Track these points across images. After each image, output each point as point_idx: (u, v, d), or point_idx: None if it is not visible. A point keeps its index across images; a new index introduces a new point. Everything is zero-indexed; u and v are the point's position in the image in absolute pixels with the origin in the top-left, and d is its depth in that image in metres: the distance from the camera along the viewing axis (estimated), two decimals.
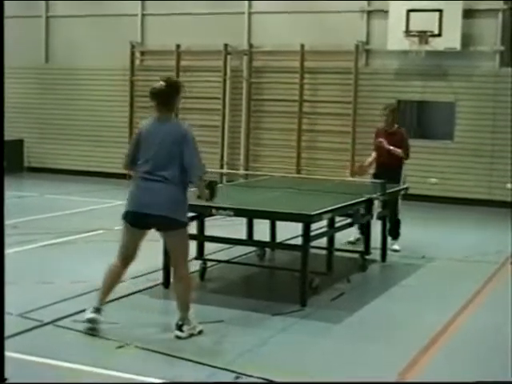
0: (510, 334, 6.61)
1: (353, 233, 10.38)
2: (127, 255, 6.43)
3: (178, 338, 6.22)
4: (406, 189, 10.12)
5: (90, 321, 6.29)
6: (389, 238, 10.07)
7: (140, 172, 6.27)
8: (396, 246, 10.26)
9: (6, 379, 4.69)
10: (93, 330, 6.26)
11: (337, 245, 9.14)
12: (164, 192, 6.12)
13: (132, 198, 6.29)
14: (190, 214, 8.18)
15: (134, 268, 6.66)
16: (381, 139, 10.27)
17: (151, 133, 6.28)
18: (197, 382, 5.24)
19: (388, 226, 10.05)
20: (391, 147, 10.21)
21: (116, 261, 6.46)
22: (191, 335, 6.28)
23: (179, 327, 6.27)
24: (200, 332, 6.34)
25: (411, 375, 5.58)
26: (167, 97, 6.26)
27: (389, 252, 9.82)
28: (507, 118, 14.86)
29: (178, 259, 6.36)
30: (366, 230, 9.34)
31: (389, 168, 10.18)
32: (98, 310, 6.35)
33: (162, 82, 6.29)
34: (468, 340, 6.57)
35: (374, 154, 10.52)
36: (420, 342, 6.30)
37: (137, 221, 6.26)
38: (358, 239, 10.35)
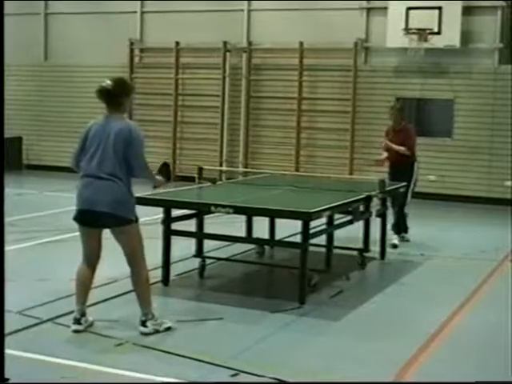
0: (509, 332, 6.62)
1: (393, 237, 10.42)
2: (89, 257, 6.41)
3: (143, 334, 6.21)
4: (405, 186, 10.13)
5: (76, 331, 6.24)
6: (390, 233, 10.16)
7: (84, 169, 6.33)
8: (395, 241, 10.27)
9: (7, 379, 4.69)
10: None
11: (336, 242, 9.15)
12: (108, 189, 6.11)
13: (78, 196, 6.35)
14: (190, 212, 8.23)
15: None
16: (385, 140, 10.50)
17: (97, 131, 6.29)
18: (205, 381, 5.22)
19: (393, 219, 10.30)
20: (394, 146, 10.32)
21: (81, 265, 6.45)
22: (156, 331, 6.27)
23: (143, 323, 6.28)
24: (168, 328, 6.34)
25: (410, 372, 5.58)
26: (114, 96, 6.29)
27: (388, 249, 9.81)
28: (506, 115, 14.87)
29: (130, 256, 6.28)
30: (365, 228, 9.34)
31: (399, 166, 10.40)
32: (78, 321, 6.27)
33: (108, 81, 6.34)
34: (467, 337, 6.57)
35: (385, 153, 10.62)
36: (419, 340, 6.31)
37: (85, 219, 6.27)
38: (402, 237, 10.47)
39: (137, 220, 6.24)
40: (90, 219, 6.24)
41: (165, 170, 6.56)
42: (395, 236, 10.35)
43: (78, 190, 6.38)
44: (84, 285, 6.41)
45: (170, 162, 6.72)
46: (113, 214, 6.09)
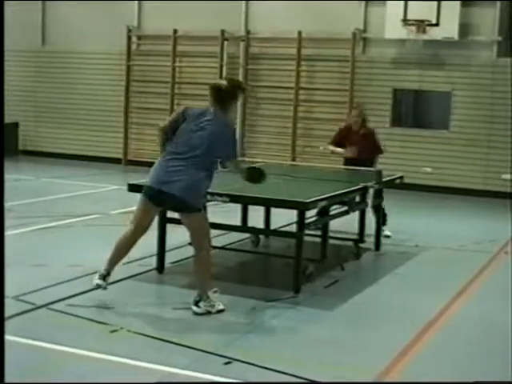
0: (503, 321, 6.65)
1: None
2: (138, 227, 6.62)
3: (195, 313, 6.43)
4: (401, 178, 10.14)
5: (97, 286, 6.66)
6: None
7: (170, 151, 6.46)
8: (387, 232, 10.28)
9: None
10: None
11: (331, 232, 9.17)
12: (185, 175, 6.29)
13: (153, 173, 6.48)
14: None
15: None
16: (330, 147, 10.40)
17: (199, 116, 6.45)
18: (217, 382, 5.23)
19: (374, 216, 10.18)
20: (338, 150, 10.25)
21: (127, 231, 6.65)
22: (208, 312, 6.45)
23: (196, 303, 6.48)
24: (219, 311, 6.51)
25: (404, 361, 5.61)
26: (226, 97, 6.46)
27: (382, 240, 9.83)
28: (504, 108, 14.87)
29: (194, 240, 6.60)
30: (360, 219, 9.36)
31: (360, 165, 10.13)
32: (103, 277, 6.64)
33: (224, 82, 6.57)
34: (461, 327, 6.60)
35: (332, 147, 10.48)
36: (414, 329, 6.33)
37: (153, 196, 6.44)
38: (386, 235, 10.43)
39: (205, 208, 6.54)
40: (158, 198, 6.45)
41: (257, 174, 6.87)
42: (384, 227, 10.31)
43: (155, 167, 6.54)
44: (124, 251, 6.72)
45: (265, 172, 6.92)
46: (183, 199, 6.31)
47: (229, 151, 6.48)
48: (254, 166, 7.10)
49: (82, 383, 4.89)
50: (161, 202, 6.49)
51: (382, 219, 10.28)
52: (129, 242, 6.69)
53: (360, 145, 10.09)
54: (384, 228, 10.31)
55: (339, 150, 10.21)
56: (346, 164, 10.33)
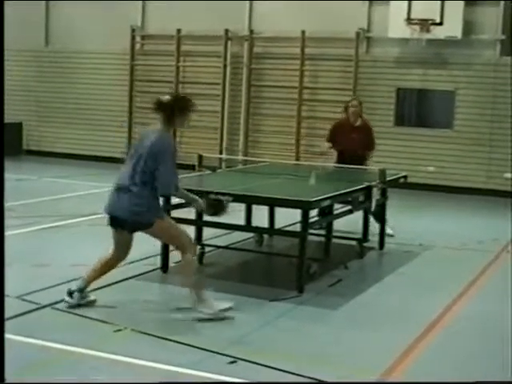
0: (506, 321, 6.64)
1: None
2: (118, 252, 6.58)
3: (198, 319, 6.33)
4: (405, 177, 10.13)
5: (66, 302, 6.49)
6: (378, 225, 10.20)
7: (118, 177, 6.44)
8: (389, 231, 10.27)
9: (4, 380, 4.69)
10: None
11: (335, 232, 9.17)
12: (127, 198, 6.24)
13: (108, 200, 6.49)
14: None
15: (131, 253, 6.67)
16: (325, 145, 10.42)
17: (139, 143, 6.41)
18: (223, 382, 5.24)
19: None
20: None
21: (110, 252, 6.59)
22: (213, 314, 6.36)
23: (196, 309, 6.40)
24: (227, 309, 6.46)
25: (408, 361, 5.61)
26: (168, 111, 6.30)
27: (389, 240, 9.82)
28: (507, 107, 14.86)
29: (173, 245, 6.59)
30: (364, 218, 9.35)
31: (355, 162, 10.10)
32: (71, 294, 6.48)
33: (167, 96, 6.39)
34: (465, 326, 6.59)
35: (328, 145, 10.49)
36: (417, 329, 6.33)
37: (110, 222, 6.46)
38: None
39: (162, 216, 6.39)
40: (115, 223, 6.43)
41: (219, 206, 6.76)
42: (386, 226, 10.30)
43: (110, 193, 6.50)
44: (104, 271, 6.64)
45: (225, 204, 6.86)
46: (132, 220, 6.27)
47: (162, 177, 6.17)
48: (213, 197, 6.96)
49: (83, 383, 4.88)
50: (117, 226, 6.42)
51: (379, 218, 10.29)
52: (108, 264, 6.61)
53: (356, 137, 10.12)
54: (385, 227, 10.30)
55: (328, 152, 10.26)
56: (340, 161, 10.33)
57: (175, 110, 6.30)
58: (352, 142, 10.21)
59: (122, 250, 6.56)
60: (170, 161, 6.18)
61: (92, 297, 6.62)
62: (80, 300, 6.50)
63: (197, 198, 6.59)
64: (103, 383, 4.85)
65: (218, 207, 6.77)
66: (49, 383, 4.82)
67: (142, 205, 6.23)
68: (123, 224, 6.34)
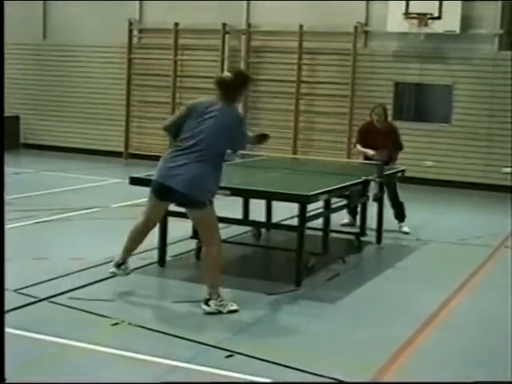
0: (504, 315, 6.65)
1: (346, 216, 10.47)
2: (148, 220, 6.69)
3: (205, 312, 6.33)
4: (403, 171, 10.13)
5: (113, 274, 6.85)
6: (395, 222, 10.34)
7: (175, 146, 6.40)
8: (406, 228, 10.30)
9: (4, 379, 4.69)
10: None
11: (333, 226, 9.17)
12: (188, 169, 6.21)
13: (158, 168, 6.43)
14: None
15: None
16: (359, 147, 10.36)
17: (206, 109, 6.40)
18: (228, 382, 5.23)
19: (393, 211, 10.33)
20: (369, 152, 10.18)
21: (139, 222, 6.73)
22: (219, 312, 6.34)
23: (206, 301, 6.38)
24: (232, 311, 6.39)
25: (405, 356, 5.61)
26: (230, 88, 6.42)
27: (387, 234, 9.82)
28: (505, 101, 14.85)
29: (202, 235, 6.56)
30: (362, 212, 9.35)
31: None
32: (118, 265, 6.81)
33: (228, 74, 6.53)
34: (461, 323, 6.60)
35: (363, 149, 10.48)
36: (415, 323, 6.34)
37: (157, 191, 6.42)
38: (349, 224, 10.38)
39: (211, 202, 6.41)
40: (164, 194, 6.41)
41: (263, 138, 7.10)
42: (403, 223, 10.35)
43: (163, 162, 6.46)
44: (137, 240, 6.82)
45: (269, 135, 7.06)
46: (188, 194, 6.24)
47: (237, 143, 6.51)
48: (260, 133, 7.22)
49: (84, 383, 4.87)
50: (165, 196, 6.43)
51: (400, 215, 10.33)
52: (141, 233, 6.75)
53: (383, 142, 10.15)
54: (402, 224, 10.33)
55: (370, 152, 10.20)
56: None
57: (237, 87, 6.45)
58: (381, 147, 10.19)
59: (155, 220, 6.76)
60: (242, 127, 6.50)
61: (131, 266, 6.98)
62: (126, 271, 6.85)
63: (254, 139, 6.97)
64: (103, 383, 4.83)
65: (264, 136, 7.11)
66: (49, 383, 4.81)
67: (204, 181, 6.24)
68: (172, 195, 6.31)
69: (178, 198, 6.35)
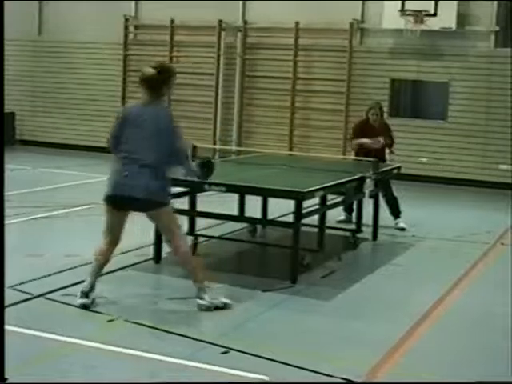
0: (499, 314, 6.66)
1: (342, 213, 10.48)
2: (113, 237, 6.46)
3: (200, 306, 6.33)
4: (399, 168, 10.13)
5: (83, 306, 6.28)
6: (391, 218, 10.32)
7: (123, 156, 6.28)
8: (402, 224, 10.30)
9: (6, 379, 4.68)
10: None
11: (328, 223, 9.17)
12: (141, 176, 6.16)
13: (112, 181, 6.32)
14: (181, 190, 8.24)
15: (124, 243, 6.66)
16: (359, 140, 10.34)
17: (137, 115, 6.30)
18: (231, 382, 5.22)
19: (387, 207, 10.31)
20: (367, 141, 10.23)
21: (102, 242, 6.48)
22: (214, 305, 6.36)
23: (199, 296, 6.38)
24: (225, 305, 6.41)
25: (401, 352, 5.61)
26: (156, 83, 6.27)
27: (382, 231, 9.82)
28: (501, 98, 14.85)
29: (167, 234, 6.50)
30: (357, 208, 9.35)
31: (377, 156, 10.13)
32: (87, 294, 6.33)
33: (151, 69, 6.29)
34: (457, 319, 6.60)
35: (359, 140, 10.51)
36: (410, 320, 6.34)
37: (118, 203, 6.31)
38: (345, 221, 10.36)
39: (167, 203, 6.36)
40: (123, 204, 6.31)
41: (207, 165, 6.73)
42: (399, 219, 10.35)
43: (113, 174, 6.35)
44: (104, 262, 6.51)
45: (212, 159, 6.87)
46: (147, 199, 6.19)
47: (173, 141, 6.25)
48: (204, 160, 6.84)
49: (82, 383, 4.86)
50: (126, 207, 6.34)
51: (395, 211, 10.33)
52: (107, 253, 6.49)
53: (376, 136, 10.19)
54: (398, 220, 10.33)
55: (366, 140, 10.23)
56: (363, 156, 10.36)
57: (161, 81, 6.30)
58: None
59: (118, 234, 6.48)
60: (180, 133, 6.33)
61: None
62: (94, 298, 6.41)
63: (194, 167, 6.60)
64: (102, 383, 4.82)
65: (209, 167, 6.75)
66: (49, 383, 4.80)
67: (158, 183, 6.22)
68: (133, 204, 6.25)
69: (139, 206, 6.26)
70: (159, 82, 6.28)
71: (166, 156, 6.23)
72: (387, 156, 10.67)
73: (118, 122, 6.42)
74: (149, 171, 6.17)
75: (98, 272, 6.48)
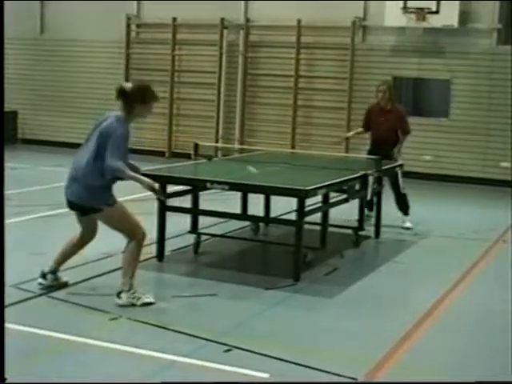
0: (501, 311, 6.66)
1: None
2: (84, 234, 6.70)
3: (117, 305, 6.31)
4: (401, 166, 10.11)
5: (41, 287, 6.60)
6: (395, 216, 10.29)
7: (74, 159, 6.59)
8: (408, 224, 10.26)
9: (5, 379, 4.69)
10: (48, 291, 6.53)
11: (331, 220, 9.17)
12: (75, 182, 6.39)
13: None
14: (184, 188, 8.26)
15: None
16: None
17: (98, 125, 6.45)
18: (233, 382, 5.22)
19: (395, 202, 10.32)
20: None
21: (78, 234, 6.72)
22: (132, 304, 6.32)
23: (118, 294, 6.37)
24: (147, 304, 6.36)
25: (403, 350, 5.61)
26: (127, 99, 6.32)
27: (385, 229, 9.82)
28: (503, 96, 14.84)
29: (121, 232, 6.49)
30: (360, 206, 9.35)
31: (384, 147, 10.09)
32: (44, 276, 6.65)
33: (129, 84, 6.39)
34: (460, 316, 6.61)
35: (359, 130, 10.60)
36: (413, 317, 6.34)
37: (69, 206, 6.56)
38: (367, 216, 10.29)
39: (110, 204, 6.38)
40: (71, 207, 6.58)
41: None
42: (406, 218, 10.32)
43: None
44: (72, 253, 6.79)
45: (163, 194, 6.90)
46: (84, 205, 6.41)
47: (108, 160, 6.17)
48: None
49: (83, 382, 4.86)
50: (72, 208, 6.56)
51: (404, 207, 10.31)
52: (76, 245, 6.74)
53: (384, 120, 10.12)
54: (405, 218, 10.30)
55: (352, 132, 10.28)
56: (372, 145, 10.35)
57: (135, 99, 6.30)
58: (379, 125, 10.22)
59: (87, 232, 6.65)
60: (115, 145, 6.17)
61: (64, 278, 6.78)
62: (53, 281, 6.66)
63: (146, 179, 6.42)
64: (102, 383, 4.83)
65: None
66: (49, 383, 4.80)
67: (88, 190, 6.31)
68: (75, 207, 6.48)
69: (80, 209, 6.47)
70: (130, 98, 6.29)
71: (100, 164, 6.22)
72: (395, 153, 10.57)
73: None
74: (78, 180, 6.36)
75: (62, 262, 6.71)
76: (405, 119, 10.50)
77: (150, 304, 6.37)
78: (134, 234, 6.42)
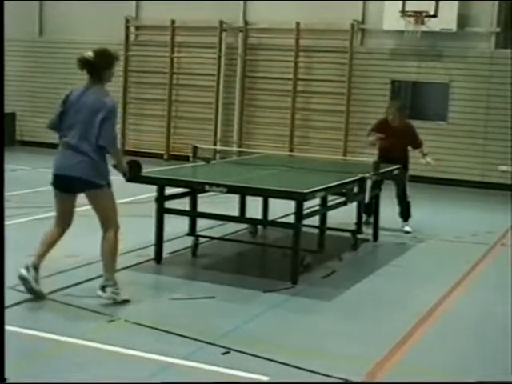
0: (499, 314, 6.67)
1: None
2: (61, 222, 6.61)
3: (100, 297, 6.35)
4: (399, 169, 10.09)
5: (21, 278, 6.42)
6: (394, 220, 10.30)
7: (64, 140, 6.42)
8: (407, 228, 10.28)
9: (5, 379, 4.69)
10: (27, 289, 6.40)
11: (329, 224, 9.17)
12: (80, 157, 6.28)
13: (55, 162, 6.49)
14: (183, 190, 8.25)
15: (125, 244, 6.68)
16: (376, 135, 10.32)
17: (77, 99, 6.40)
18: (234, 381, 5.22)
19: (398, 208, 10.35)
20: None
21: (53, 228, 6.66)
22: (113, 299, 6.36)
23: (102, 287, 6.41)
24: (125, 301, 6.40)
25: (402, 352, 5.61)
26: (94, 67, 6.34)
27: (383, 232, 9.82)
28: (501, 99, 14.87)
29: (101, 218, 6.51)
30: (358, 209, 9.35)
31: (393, 159, 10.07)
32: (27, 268, 6.47)
33: (90, 53, 6.40)
34: (458, 319, 6.61)
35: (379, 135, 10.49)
36: (411, 320, 6.34)
37: (59, 184, 6.44)
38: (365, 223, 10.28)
39: (109, 186, 6.40)
40: (64, 184, 6.43)
41: (135, 167, 6.70)
42: (405, 223, 10.34)
43: (56, 155, 6.49)
44: (51, 246, 6.68)
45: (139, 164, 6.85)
46: (83, 178, 6.29)
47: (103, 132, 6.23)
48: (132, 160, 6.77)
49: (82, 383, 4.86)
50: (66, 187, 6.44)
51: (405, 213, 10.31)
52: (54, 237, 6.67)
53: (395, 141, 10.11)
54: (405, 224, 10.31)
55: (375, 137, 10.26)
56: (382, 156, 10.25)
57: (103, 66, 6.36)
58: (390, 145, 10.18)
59: (64, 219, 6.59)
60: (114, 118, 6.29)
61: (43, 287, 6.62)
62: (35, 275, 6.51)
63: (124, 165, 6.52)
64: (102, 383, 4.83)
65: (135, 168, 6.74)
66: (49, 383, 4.80)
67: (95, 164, 6.28)
68: (73, 183, 6.35)
69: (78, 184, 6.35)
70: (97, 66, 6.33)
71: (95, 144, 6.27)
72: (422, 160, 10.68)
73: (60, 105, 6.50)
74: (81, 155, 6.26)
75: (43, 254, 6.61)
76: (416, 135, 10.58)
77: (127, 301, 6.41)
78: (112, 223, 6.46)
